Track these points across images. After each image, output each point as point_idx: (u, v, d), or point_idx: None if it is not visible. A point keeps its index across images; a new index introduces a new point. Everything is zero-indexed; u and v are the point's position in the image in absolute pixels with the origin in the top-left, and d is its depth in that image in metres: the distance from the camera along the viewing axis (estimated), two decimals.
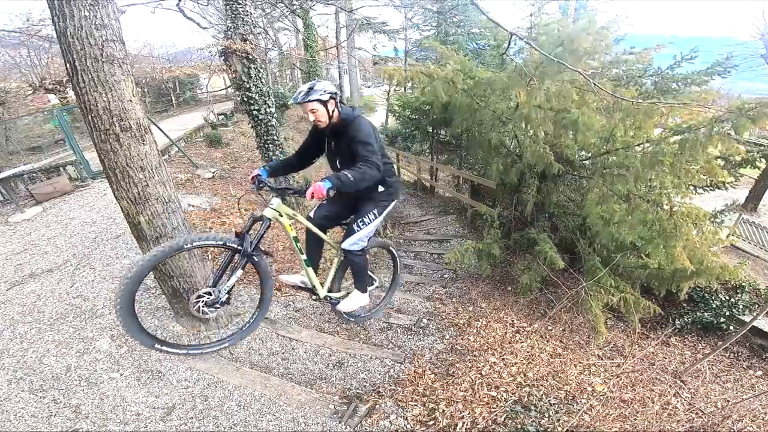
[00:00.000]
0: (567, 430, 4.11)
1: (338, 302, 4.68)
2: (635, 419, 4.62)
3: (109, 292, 6.11)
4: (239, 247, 3.53)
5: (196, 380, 4.56)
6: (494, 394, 4.73)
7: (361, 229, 4.19)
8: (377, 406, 4.42)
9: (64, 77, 18.41)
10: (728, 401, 5.69)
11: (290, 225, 4.00)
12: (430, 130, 17.24)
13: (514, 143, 8.94)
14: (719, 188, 8.30)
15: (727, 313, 7.82)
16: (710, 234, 6.77)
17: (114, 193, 4.25)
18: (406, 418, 4.28)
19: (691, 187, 6.86)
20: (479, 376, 5.04)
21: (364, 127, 3.68)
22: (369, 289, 4.86)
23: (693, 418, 4.98)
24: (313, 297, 4.62)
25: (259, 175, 3.86)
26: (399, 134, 23.50)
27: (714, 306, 7.88)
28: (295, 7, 17.28)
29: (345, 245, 4.25)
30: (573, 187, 8.88)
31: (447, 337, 6.05)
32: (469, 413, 4.34)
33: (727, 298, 7.99)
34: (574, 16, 9.97)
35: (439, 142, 17.52)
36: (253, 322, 4.05)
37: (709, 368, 6.76)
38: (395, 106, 20.16)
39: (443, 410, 4.38)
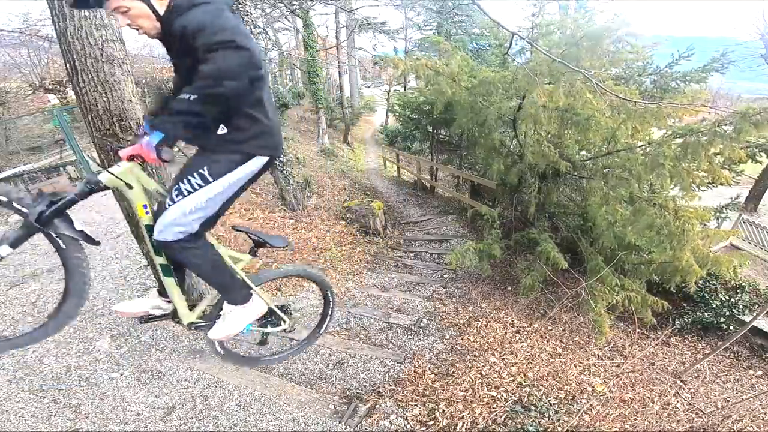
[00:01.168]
0: (567, 430, 4.12)
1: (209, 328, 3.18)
2: (635, 419, 4.62)
3: (110, 293, 6.12)
4: (23, 209, 2.33)
5: (196, 380, 4.56)
6: (494, 394, 4.74)
7: (174, 202, 2.54)
8: (377, 406, 4.43)
9: (64, 77, 18.44)
10: (728, 401, 5.70)
11: (142, 205, 2.69)
12: (431, 130, 17.25)
13: (515, 143, 8.95)
14: (722, 185, 8.32)
15: (727, 313, 7.83)
16: (714, 234, 6.81)
17: (114, 194, 4.26)
18: (406, 418, 4.28)
19: (692, 187, 6.86)
20: (479, 376, 5.04)
21: (201, 11, 2.13)
22: (255, 302, 3.30)
23: (693, 418, 4.98)
24: (176, 321, 3.22)
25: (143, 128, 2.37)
26: (399, 134, 23.52)
27: (714, 306, 7.89)
28: (294, 7, 17.24)
29: (154, 234, 2.61)
30: (573, 187, 8.88)
31: (447, 337, 6.05)
32: (469, 413, 4.35)
33: (727, 298, 8.00)
34: (574, 15, 9.99)
35: (439, 141, 17.54)
36: None
37: (709, 368, 6.77)
38: (395, 105, 20.17)
39: (443, 410, 4.38)
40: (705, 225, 6.92)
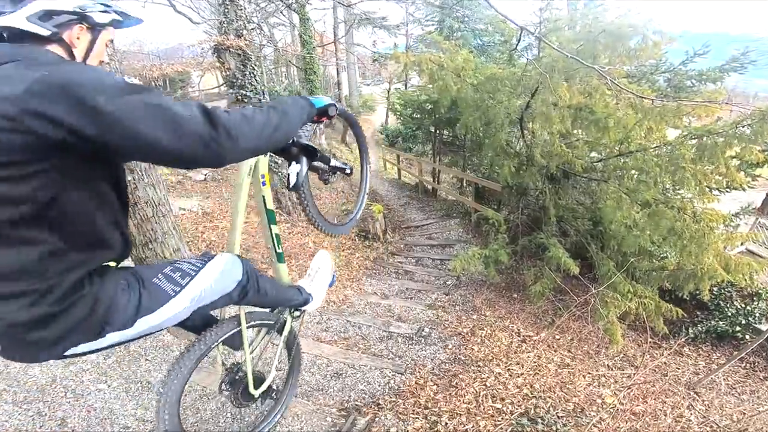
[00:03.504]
0: None
1: None
2: None
3: None
4: None
5: (188, 391, 4.56)
6: (499, 406, 4.74)
7: None
8: (377, 419, 4.42)
9: None
10: (744, 413, 5.69)
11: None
12: (433, 130, 17.24)
13: (522, 144, 8.95)
14: (736, 189, 8.29)
15: (743, 322, 7.80)
16: (734, 237, 6.83)
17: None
18: None
19: (707, 189, 6.85)
20: (484, 387, 5.05)
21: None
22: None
23: None
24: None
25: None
26: (400, 134, 23.51)
27: (729, 314, 7.87)
28: (291, 1, 17.30)
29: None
30: (582, 189, 8.88)
31: (450, 346, 6.06)
32: (473, 426, 4.35)
33: (743, 305, 7.97)
34: (585, 11, 9.97)
35: (442, 142, 17.53)
36: None
37: (724, 379, 6.76)
38: (396, 104, 20.16)
39: (446, 423, 4.38)
40: (726, 227, 6.93)
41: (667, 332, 7.15)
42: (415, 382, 5.10)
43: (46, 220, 1.39)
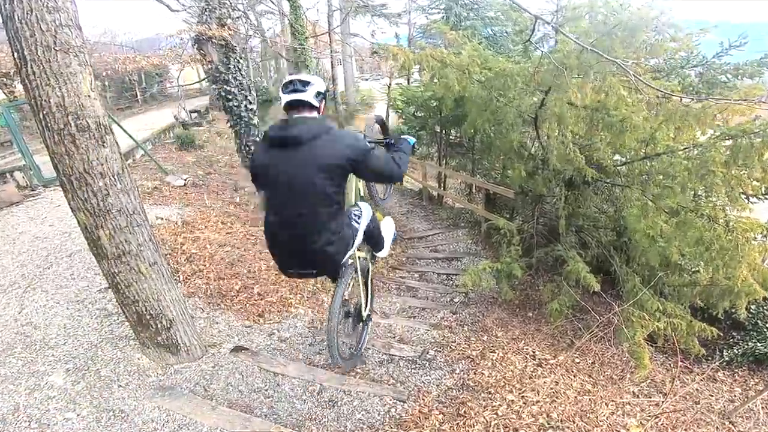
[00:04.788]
0: None
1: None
2: None
3: (64, 319, 6.14)
4: None
5: (165, 421, 4.58)
6: None
7: None
8: None
9: (11, 68, 18.47)
10: None
11: None
12: (439, 131, 17.28)
13: (536, 146, 8.96)
14: None
15: None
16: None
17: (69, 204, 4.27)
18: None
19: (742, 196, 6.82)
20: (495, 416, 5.05)
21: None
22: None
23: None
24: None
25: None
26: (401, 135, 23.55)
27: None
28: None
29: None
30: (605, 196, 8.88)
31: (457, 371, 6.07)
32: None
33: None
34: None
35: (448, 144, 17.59)
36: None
37: (762, 407, 6.75)
38: (398, 101, 20.17)
39: None
40: (764, 238, 6.86)
41: (704, 353, 7.10)
42: (419, 411, 5.11)
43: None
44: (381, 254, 5.22)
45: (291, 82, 3.71)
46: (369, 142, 4.36)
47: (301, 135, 3.50)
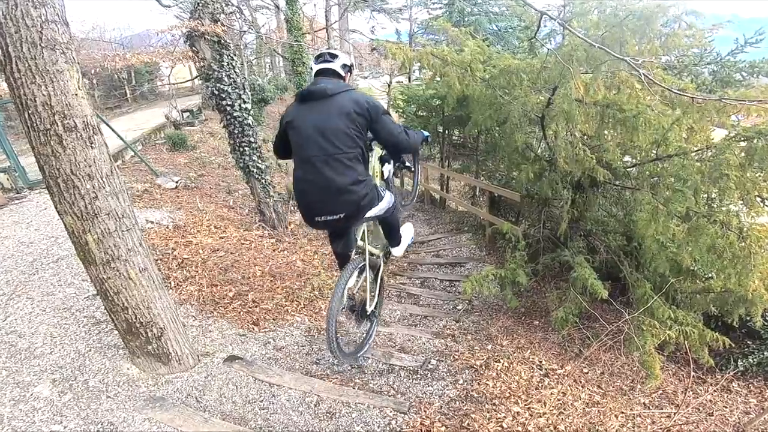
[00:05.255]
0: None
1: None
2: None
3: (51, 328, 6.13)
4: None
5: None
6: None
7: None
8: None
9: None
10: None
11: None
12: (441, 131, 17.27)
13: (543, 146, 8.95)
14: None
15: None
16: None
17: (56, 207, 4.27)
18: None
19: (758, 200, 6.79)
20: (500, 429, 5.06)
21: None
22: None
23: None
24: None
25: None
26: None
27: None
28: None
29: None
30: (614, 199, 8.87)
31: (460, 381, 6.07)
32: None
33: None
34: None
35: (451, 144, 17.58)
36: None
37: None
38: (398, 100, 20.15)
39: None
40: None
41: (713, 365, 7.09)
42: (421, 423, 5.11)
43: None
44: (396, 252, 6.06)
45: (321, 54, 4.85)
46: None
47: (326, 89, 4.43)
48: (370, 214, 4.87)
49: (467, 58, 8.30)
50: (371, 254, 5.75)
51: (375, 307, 6.22)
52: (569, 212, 8.19)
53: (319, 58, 4.80)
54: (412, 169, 6.22)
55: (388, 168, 5.73)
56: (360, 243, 5.57)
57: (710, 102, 6.31)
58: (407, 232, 6.22)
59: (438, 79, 9.59)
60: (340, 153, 4.37)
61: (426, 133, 5.55)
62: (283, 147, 4.94)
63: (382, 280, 6.34)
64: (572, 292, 7.57)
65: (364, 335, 6.45)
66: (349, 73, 4.90)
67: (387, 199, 5.11)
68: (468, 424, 5.10)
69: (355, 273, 5.47)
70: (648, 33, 6.82)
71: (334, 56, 4.78)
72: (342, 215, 4.59)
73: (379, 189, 5.03)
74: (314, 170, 4.45)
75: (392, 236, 5.75)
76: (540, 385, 6.11)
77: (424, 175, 18.02)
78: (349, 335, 7.12)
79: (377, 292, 6.25)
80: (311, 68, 4.86)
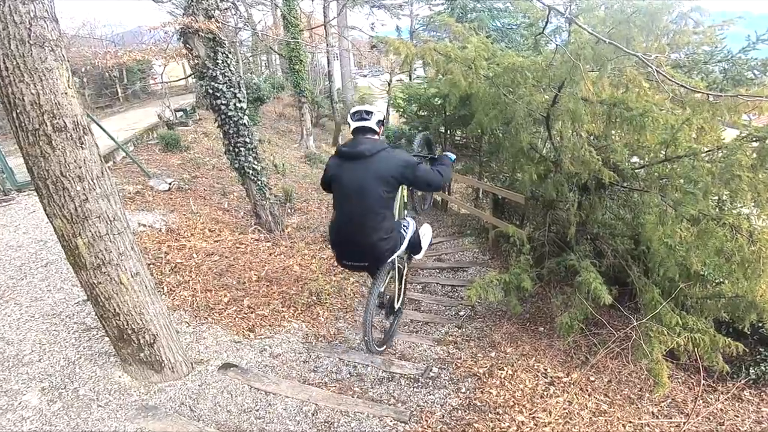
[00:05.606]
0: None
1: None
2: None
3: (40, 334, 6.14)
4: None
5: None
6: None
7: None
8: None
9: None
10: None
11: None
12: (443, 131, 17.26)
13: (548, 146, 8.94)
14: None
15: None
16: None
17: (45, 210, 4.27)
18: None
19: None
20: None
21: None
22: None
23: None
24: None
25: None
26: (403, 135, 23.49)
27: None
28: None
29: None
30: (621, 201, 8.85)
31: (463, 389, 6.07)
32: None
33: None
34: None
35: (454, 145, 17.58)
36: None
37: None
38: (399, 99, 20.16)
39: None
40: None
41: (728, 371, 7.06)
42: None
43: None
44: (418, 257, 7.16)
45: (358, 111, 5.61)
46: (415, 155, 6.48)
47: (365, 151, 5.27)
48: (394, 256, 5.91)
49: (471, 54, 8.25)
50: (398, 257, 6.37)
51: (400, 304, 7.21)
52: (576, 215, 8.15)
53: (356, 115, 5.59)
54: None
55: None
56: None
57: (723, 100, 6.29)
58: (426, 234, 7.09)
59: (440, 77, 9.56)
60: (373, 213, 5.30)
61: (453, 156, 6.38)
62: (328, 187, 5.84)
63: (405, 279, 7.22)
64: (578, 298, 7.53)
65: (389, 328, 7.33)
66: (382, 127, 5.78)
67: (410, 230, 6.16)
68: None
69: (386, 277, 6.33)
70: (654, 30, 6.80)
71: (369, 113, 5.54)
72: (367, 263, 5.85)
73: (402, 229, 6.02)
74: (349, 224, 5.46)
75: (415, 249, 6.63)
76: (545, 393, 6.10)
77: None
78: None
79: (402, 290, 7.16)
80: (349, 123, 5.68)
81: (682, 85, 5.79)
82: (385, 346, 7.07)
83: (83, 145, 4.09)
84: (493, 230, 11.85)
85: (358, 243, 5.50)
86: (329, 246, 6.79)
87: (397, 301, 7.00)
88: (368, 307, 6.04)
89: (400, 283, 6.97)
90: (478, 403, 5.70)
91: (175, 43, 10.99)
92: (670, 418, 6.20)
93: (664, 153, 7.41)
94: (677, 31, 7.29)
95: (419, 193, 7.18)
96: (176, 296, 7.49)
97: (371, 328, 6.22)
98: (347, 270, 8.48)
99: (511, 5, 20.67)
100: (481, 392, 5.94)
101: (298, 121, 24.81)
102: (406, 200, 6.83)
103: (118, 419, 4.83)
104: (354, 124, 5.57)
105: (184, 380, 5.54)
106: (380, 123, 5.66)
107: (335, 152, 5.72)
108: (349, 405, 5.47)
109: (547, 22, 6.19)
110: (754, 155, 6.15)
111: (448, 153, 6.44)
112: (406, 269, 7.19)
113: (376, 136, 5.63)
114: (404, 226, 6.10)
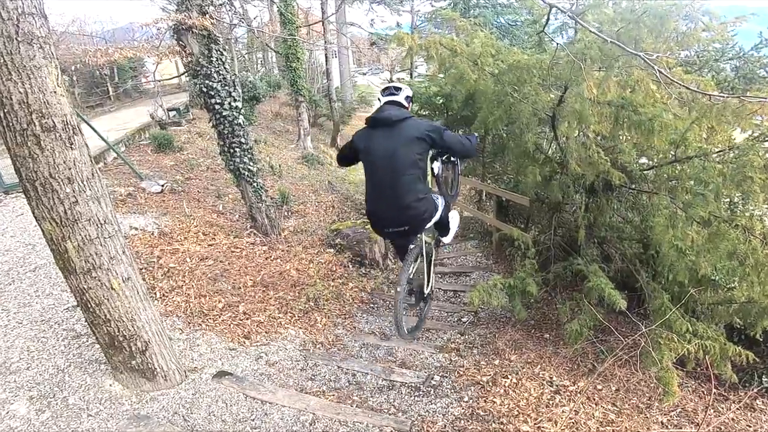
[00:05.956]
0: None
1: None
2: None
3: (28, 341, 6.14)
4: None
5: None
6: None
7: None
8: None
9: None
10: None
11: None
12: None
13: (554, 147, 8.93)
14: None
15: None
16: None
17: (33, 212, 4.27)
18: None
19: None
20: None
21: None
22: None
23: None
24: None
25: None
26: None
27: None
28: None
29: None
30: (629, 204, 8.84)
31: (466, 398, 6.07)
32: None
33: None
34: None
35: None
36: None
37: None
38: None
39: None
40: None
41: (736, 381, 7.05)
42: None
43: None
44: (446, 240, 7.54)
45: (388, 87, 6.31)
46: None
47: (393, 116, 5.72)
48: (429, 224, 6.29)
49: (477, 50, 8.24)
50: (426, 243, 6.92)
51: (430, 290, 7.60)
52: (583, 218, 8.13)
53: (386, 90, 6.22)
54: (456, 163, 7.32)
55: (438, 165, 6.70)
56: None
57: (729, 102, 6.27)
58: (454, 219, 7.42)
59: (441, 75, 9.54)
60: (405, 176, 5.63)
61: (476, 134, 7.38)
62: (347, 159, 6.42)
63: (433, 264, 7.56)
64: (586, 304, 7.51)
65: (421, 312, 7.86)
66: (410, 103, 6.40)
67: (441, 206, 6.39)
68: None
69: (413, 262, 6.73)
70: (663, 32, 6.80)
71: (398, 89, 6.20)
72: (407, 227, 6.08)
73: (435, 200, 6.27)
74: (384, 190, 5.80)
75: (443, 229, 7.13)
76: (551, 402, 6.10)
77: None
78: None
79: (430, 275, 7.47)
80: (379, 99, 6.19)
81: (686, 87, 5.81)
82: (417, 332, 7.71)
83: (73, 146, 4.09)
84: (496, 233, 11.88)
85: (394, 206, 5.81)
86: (366, 217, 7.07)
87: (427, 286, 7.37)
88: (399, 291, 6.38)
89: (429, 268, 7.30)
90: (482, 413, 5.70)
91: (168, 40, 10.96)
92: (680, 428, 6.20)
93: (673, 154, 7.41)
94: (686, 33, 7.28)
95: (443, 176, 7.13)
96: (169, 302, 7.48)
97: (403, 313, 6.57)
98: (389, 240, 8.52)
99: (515, 2, 20.67)
100: (485, 401, 5.94)
101: (295, 121, 24.75)
102: (437, 174, 6.94)
103: (109, 429, 4.84)
104: (384, 99, 6.07)
105: (177, 389, 5.54)
106: (408, 99, 6.23)
107: (365, 122, 6.08)
108: (348, 415, 5.47)
109: (547, 21, 6.25)
110: (767, 156, 6.15)
111: (474, 133, 7.30)
112: (434, 254, 7.55)
113: (404, 110, 6.02)
114: (435, 198, 6.30)
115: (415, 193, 5.71)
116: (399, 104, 6.01)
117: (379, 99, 6.24)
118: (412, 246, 6.70)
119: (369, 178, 5.97)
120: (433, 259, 7.45)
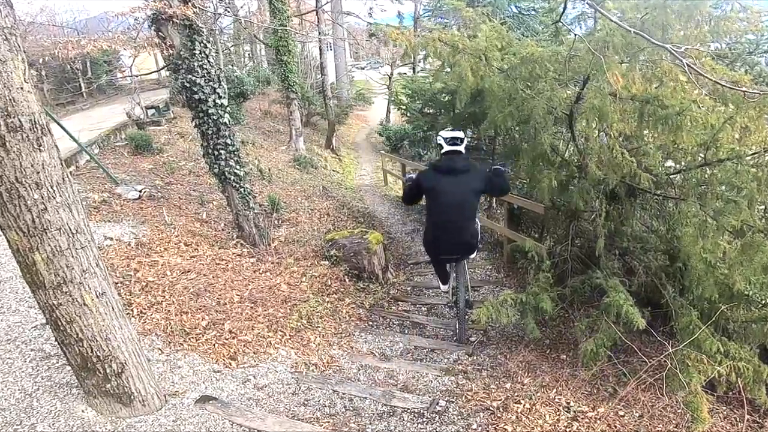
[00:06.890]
0: None
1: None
2: None
3: None
4: None
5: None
6: None
7: None
8: None
9: None
10: None
11: None
12: None
13: (571, 149, 8.91)
14: None
15: None
16: None
17: None
18: None
19: None
20: None
21: None
22: None
23: None
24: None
25: None
26: (406, 135, 23.47)
27: None
28: None
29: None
30: (654, 211, 8.81)
31: (474, 426, 6.06)
32: None
33: None
34: None
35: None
36: None
37: None
38: (400, 95, 20.16)
39: None
40: None
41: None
42: None
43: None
44: (474, 256, 9.48)
45: (453, 138, 7.70)
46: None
47: (460, 168, 7.53)
48: (473, 255, 8.76)
49: (482, 44, 8.16)
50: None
51: (469, 296, 9.35)
52: (603, 226, 8.08)
53: (450, 140, 7.68)
54: None
55: None
56: None
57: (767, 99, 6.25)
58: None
59: (447, 70, 9.49)
60: (469, 220, 7.77)
61: (502, 168, 8.42)
62: (414, 198, 8.27)
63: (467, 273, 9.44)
64: (605, 321, 7.47)
65: (462, 320, 8.80)
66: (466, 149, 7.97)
67: (478, 229, 8.35)
68: None
69: (454, 273, 8.82)
70: (696, 16, 6.78)
71: (462, 140, 7.73)
72: (458, 256, 8.27)
73: (478, 227, 8.33)
74: (449, 227, 7.74)
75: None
76: (568, 430, 6.08)
77: None
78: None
79: (468, 285, 9.51)
80: (441, 144, 7.80)
81: (716, 82, 5.77)
82: (466, 336, 8.92)
83: (41, 147, 4.09)
84: (508, 244, 11.87)
85: (455, 241, 7.87)
86: (424, 246, 8.97)
87: (466, 292, 8.93)
88: (458, 301, 8.51)
89: (467, 280, 9.30)
90: None
91: (146, 31, 10.97)
92: None
93: (703, 156, 7.38)
94: (721, 16, 7.24)
95: None
96: (147, 319, 7.48)
97: (465, 320, 8.73)
98: (437, 263, 9.30)
99: None
100: (495, 428, 5.94)
101: (286, 120, 24.79)
102: None
103: None
104: (447, 147, 7.68)
105: (156, 415, 5.54)
106: (466, 146, 7.86)
107: (432, 167, 8.03)
108: None
109: (564, 8, 6.19)
110: None
111: (499, 165, 8.47)
112: (467, 265, 9.37)
113: (467, 160, 7.87)
114: (478, 227, 8.35)
115: (471, 230, 7.83)
116: (460, 153, 7.68)
117: (441, 141, 7.84)
118: (451, 265, 8.80)
119: (434, 215, 7.98)
120: (466, 269, 9.30)
